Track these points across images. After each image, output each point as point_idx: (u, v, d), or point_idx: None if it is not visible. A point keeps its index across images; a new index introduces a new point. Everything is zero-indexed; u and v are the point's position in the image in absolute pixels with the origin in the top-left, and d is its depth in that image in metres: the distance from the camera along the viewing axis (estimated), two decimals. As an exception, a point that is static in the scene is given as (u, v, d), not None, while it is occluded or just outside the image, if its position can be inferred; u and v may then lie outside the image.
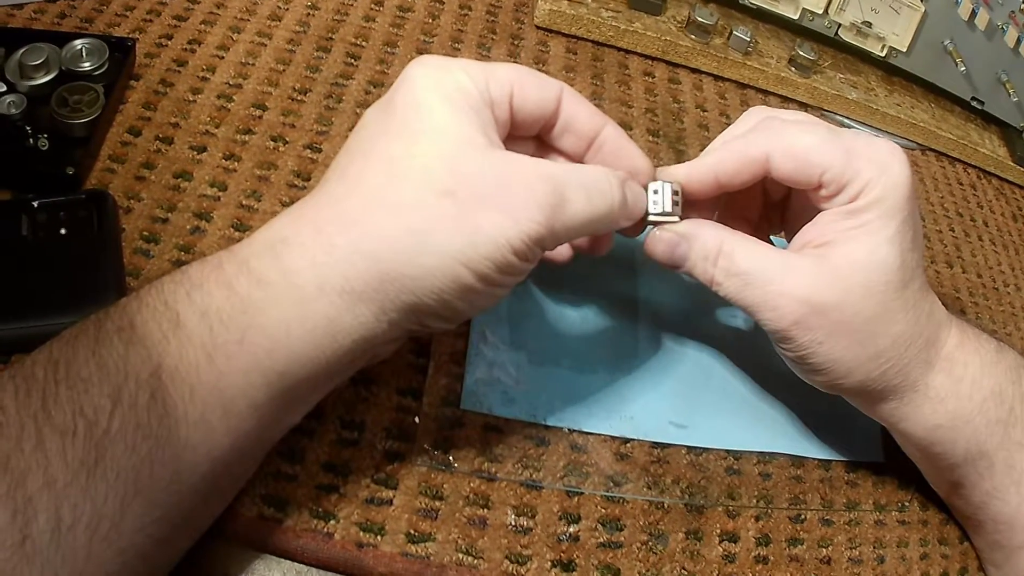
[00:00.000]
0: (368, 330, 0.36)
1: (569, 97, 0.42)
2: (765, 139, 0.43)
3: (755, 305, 0.42)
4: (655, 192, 0.43)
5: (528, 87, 0.40)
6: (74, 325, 0.34)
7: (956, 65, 0.78)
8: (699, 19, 0.73)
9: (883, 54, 0.79)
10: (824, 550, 0.48)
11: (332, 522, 0.41)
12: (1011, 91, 0.79)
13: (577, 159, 0.44)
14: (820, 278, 0.41)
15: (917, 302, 0.43)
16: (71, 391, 0.31)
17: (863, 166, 0.41)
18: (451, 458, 0.44)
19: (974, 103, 0.82)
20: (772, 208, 0.50)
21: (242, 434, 0.35)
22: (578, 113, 0.42)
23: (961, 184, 0.79)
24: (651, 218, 0.43)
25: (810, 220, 0.44)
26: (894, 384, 0.43)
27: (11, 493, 0.29)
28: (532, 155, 0.43)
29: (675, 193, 0.43)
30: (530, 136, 0.43)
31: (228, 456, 0.35)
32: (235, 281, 0.34)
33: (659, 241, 0.44)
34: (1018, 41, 0.77)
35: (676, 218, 0.44)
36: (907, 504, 0.51)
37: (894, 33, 0.78)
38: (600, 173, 0.40)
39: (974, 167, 0.81)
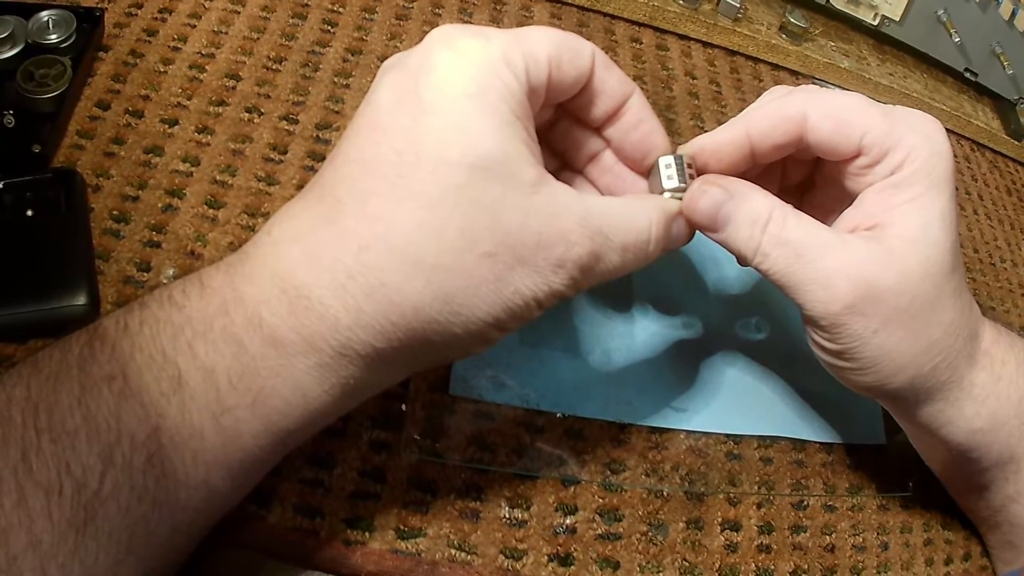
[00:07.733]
0: (386, 383, 0.35)
1: (600, 68, 0.38)
2: (802, 98, 0.40)
3: (804, 282, 0.37)
4: (667, 166, 0.40)
5: (565, 64, 0.36)
6: (50, 350, 0.31)
7: (950, 36, 0.76)
8: (689, -14, 0.71)
9: (875, 23, 0.77)
10: (827, 537, 0.46)
11: (317, 518, 0.39)
12: (1005, 63, 0.77)
13: (595, 126, 0.40)
14: (877, 257, 0.37)
15: (962, 290, 0.40)
16: (55, 445, 0.29)
17: (905, 132, 0.38)
18: (440, 448, 0.42)
19: (967, 74, 0.80)
20: (788, 194, 0.43)
21: (245, 486, 0.34)
22: (605, 84, 0.38)
23: (955, 156, 0.77)
24: (666, 194, 0.40)
25: (837, 205, 0.41)
26: (942, 381, 0.40)
27: None
28: (548, 120, 0.40)
29: (688, 166, 0.40)
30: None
31: (229, 505, 0.34)
32: (245, 336, 0.31)
33: (702, 196, 0.39)
34: (1012, 13, 0.75)
35: None
36: (910, 487, 0.50)
37: (887, 2, 0.76)
38: (644, 223, 0.36)
39: (967, 139, 0.80)
